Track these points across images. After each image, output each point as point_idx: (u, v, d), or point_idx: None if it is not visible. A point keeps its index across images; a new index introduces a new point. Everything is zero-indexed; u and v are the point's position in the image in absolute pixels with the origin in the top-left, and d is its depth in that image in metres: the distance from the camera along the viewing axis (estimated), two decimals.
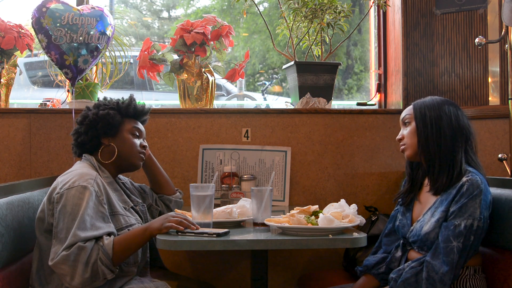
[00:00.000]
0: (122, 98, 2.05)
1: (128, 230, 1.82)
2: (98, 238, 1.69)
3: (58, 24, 2.45)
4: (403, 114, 1.94)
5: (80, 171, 1.81)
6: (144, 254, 1.94)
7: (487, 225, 1.72)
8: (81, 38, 2.47)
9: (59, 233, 1.68)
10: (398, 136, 1.94)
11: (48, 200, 1.78)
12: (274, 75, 4.58)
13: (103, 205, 1.77)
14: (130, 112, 2.00)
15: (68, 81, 2.56)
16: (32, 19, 2.48)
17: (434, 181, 1.82)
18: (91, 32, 2.49)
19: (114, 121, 1.94)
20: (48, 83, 3.29)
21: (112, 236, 1.72)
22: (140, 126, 2.04)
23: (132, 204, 1.98)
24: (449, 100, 1.89)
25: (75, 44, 2.47)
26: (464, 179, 1.74)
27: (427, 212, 1.82)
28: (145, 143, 2.04)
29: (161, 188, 2.23)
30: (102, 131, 1.93)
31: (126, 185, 2.09)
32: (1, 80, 2.72)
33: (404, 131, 1.91)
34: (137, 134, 2.00)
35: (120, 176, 2.09)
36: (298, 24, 2.81)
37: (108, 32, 2.56)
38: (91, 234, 1.67)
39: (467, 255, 1.69)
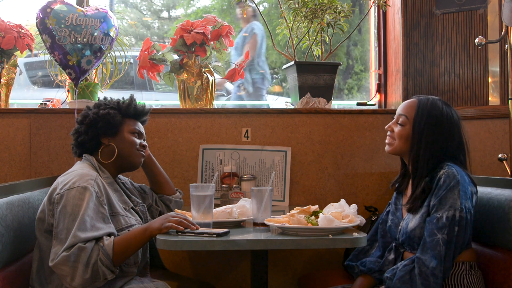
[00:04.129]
0: (123, 98, 2.05)
1: (128, 230, 1.82)
2: (98, 239, 1.69)
3: (62, 25, 2.47)
4: (402, 111, 1.90)
5: (81, 172, 1.81)
6: (144, 254, 1.94)
7: (471, 215, 1.72)
8: (84, 39, 2.48)
9: (59, 234, 1.68)
10: (389, 125, 1.94)
11: (48, 200, 1.78)
12: (274, 75, 4.58)
13: (103, 205, 1.77)
14: (130, 112, 2.00)
15: (68, 81, 2.56)
16: (36, 19, 2.50)
17: (412, 198, 1.83)
18: (95, 33, 2.50)
19: (114, 121, 1.94)
20: (48, 83, 3.29)
21: (112, 236, 1.72)
22: (140, 126, 2.04)
23: (132, 205, 1.98)
24: (455, 115, 1.85)
25: (78, 45, 2.48)
26: (441, 171, 1.75)
27: None
28: (145, 143, 2.04)
29: (161, 188, 2.23)
30: (102, 131, 1.93)
31: (126, 186, 2.09)
32: (1, 80, 2.72)
33: (396, 128, 1.90)
34: (137, 134, 2.01)
35: (120, 176, 2.09)
36: (298, 24, 2.81)
37: (112, 33, 2.57)
38: (91, 234, 1.67)
39: (455, 246, 1.69)
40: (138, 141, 1.99)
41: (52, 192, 1.78)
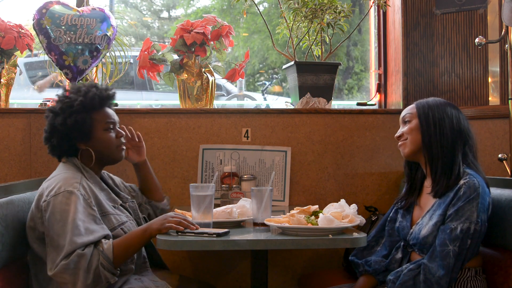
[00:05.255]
0: (83, 85, 1.92)
1: (121, 228, 1.81)
2: (96, 243, 1.67)
3: (57, 25, 2.47)
4: (404, 112, 1.94)
5: (65, 176, 1.78)
6: (139, 251, 1.91)
7: (485, 228, 1.71)
8: (80, 39, 2.48)
9: (52, 241, 1.66)
10: (397, 134, 1.94)
11: (36, 208, 1.74)
12: (274, 75, 4.58)
13: (92, 207, 1.74)
14: (95, 103, 1.88)
15: (68, 81, 2.56)
16: (33, 20, 2.51)
17: (435, 182, 1.81)
18: (91, 33, 2.50)
19: (85, 127, 1.86)
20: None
21: (110, 239, 1.71)
22: (111, 113, 1.94)
23: (121, 202, 1.96)
24: (451, 103, 1.90)
25: (74, 45, 2.48)
26: (462, 181, 1.74)
27: (425, 215, 1.82)
28: (121, 131, 1.96)
29: (149, 193, 2.21)
30: (76, 139, 1.87)
31: (115, 182, 2.07)
32: (1, 80, 2.72)
33: (404, 128, 1.92)
34: (111, 126, 1.92)
35: (111, 175, 2.08)
36: (298, 24, 2.81)
37: (109, 33, 2.57)
38: (87, 239, 1.65)
39: (464, 258, 1.68)
40: (113, 135, 1.92)
41: (39, 199, 1.75)
